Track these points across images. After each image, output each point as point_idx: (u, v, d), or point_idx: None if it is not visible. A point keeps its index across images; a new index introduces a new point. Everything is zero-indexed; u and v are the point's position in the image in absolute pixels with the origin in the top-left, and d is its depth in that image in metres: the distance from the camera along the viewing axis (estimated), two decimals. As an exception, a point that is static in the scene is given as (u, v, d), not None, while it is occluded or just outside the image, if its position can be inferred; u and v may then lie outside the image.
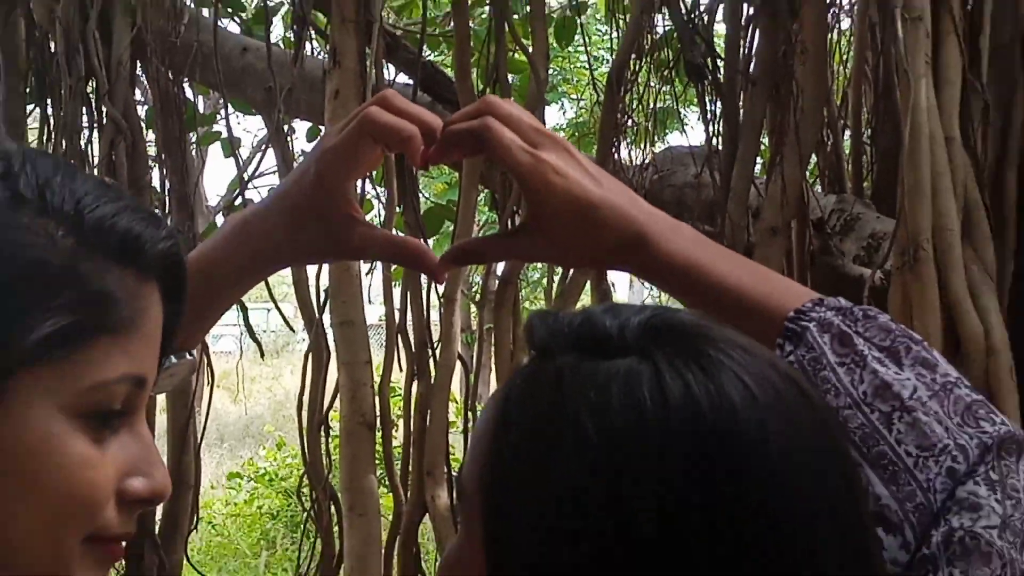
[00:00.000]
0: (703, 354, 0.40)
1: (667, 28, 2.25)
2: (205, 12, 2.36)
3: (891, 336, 0.51)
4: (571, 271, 1.80)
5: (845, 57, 2.67)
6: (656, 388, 0.38)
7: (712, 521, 0.37)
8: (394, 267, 1.92)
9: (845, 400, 0.49)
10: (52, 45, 2.05)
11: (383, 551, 1.82)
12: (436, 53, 3.42)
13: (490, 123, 0.53)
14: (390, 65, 2.17)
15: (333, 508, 1.87)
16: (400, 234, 1.88)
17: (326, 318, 1.81)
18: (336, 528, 1.87)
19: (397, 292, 1.99)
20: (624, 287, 6.76)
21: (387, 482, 2.09)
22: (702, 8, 2.16)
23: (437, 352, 1.91)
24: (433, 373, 1.89)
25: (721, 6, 2.08)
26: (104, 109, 1.98)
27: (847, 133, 2.51)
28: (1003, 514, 0.44)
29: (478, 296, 3.14)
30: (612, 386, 0.39)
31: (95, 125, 2.06)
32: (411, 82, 2.04)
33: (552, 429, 0.39)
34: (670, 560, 0.36)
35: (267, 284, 1.41)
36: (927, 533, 0.45)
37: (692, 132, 3.56)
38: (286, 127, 2.14)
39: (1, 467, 0.39)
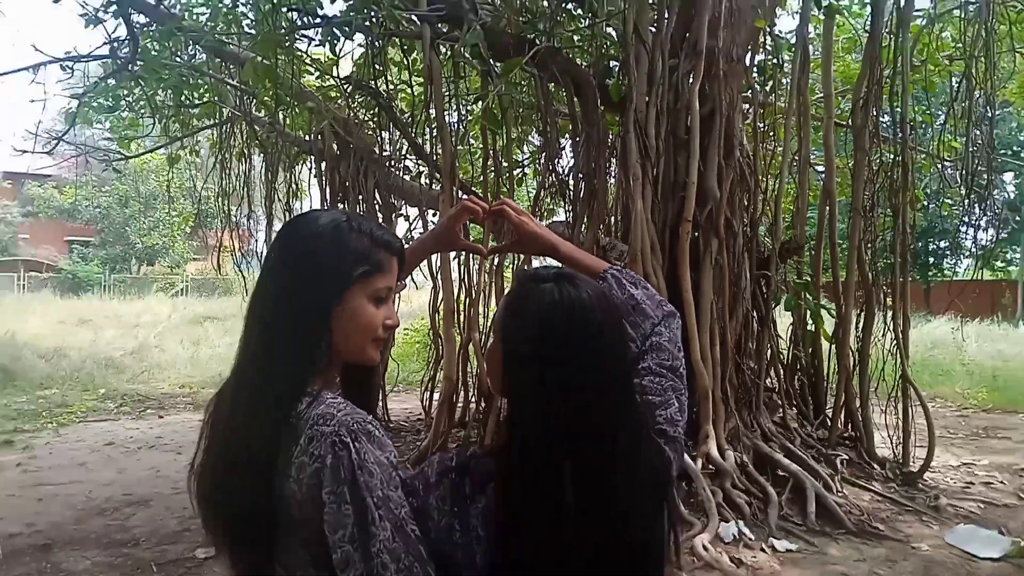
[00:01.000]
0: (573, 282, 1.25)
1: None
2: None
3: (634, 277, 1.54)
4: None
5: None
6: (557, 292, 1.23)
7: (576, 347, 1.18)
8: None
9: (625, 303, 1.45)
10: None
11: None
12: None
13: (504, 205, 1.62)
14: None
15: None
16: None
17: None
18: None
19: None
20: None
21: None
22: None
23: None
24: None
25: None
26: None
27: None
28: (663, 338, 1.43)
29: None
30: (544, 293, 1.24)
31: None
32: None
33: (522, 309, 1.25)
34: (566, 366, 1.17)
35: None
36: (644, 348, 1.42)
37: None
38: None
39: (348, 318, 1.27)
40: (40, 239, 33.84)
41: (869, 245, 6.39)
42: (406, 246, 1.43)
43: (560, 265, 1.54)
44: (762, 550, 4.97)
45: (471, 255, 7.36)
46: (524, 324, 1.22)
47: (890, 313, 6.26)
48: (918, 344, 14.08)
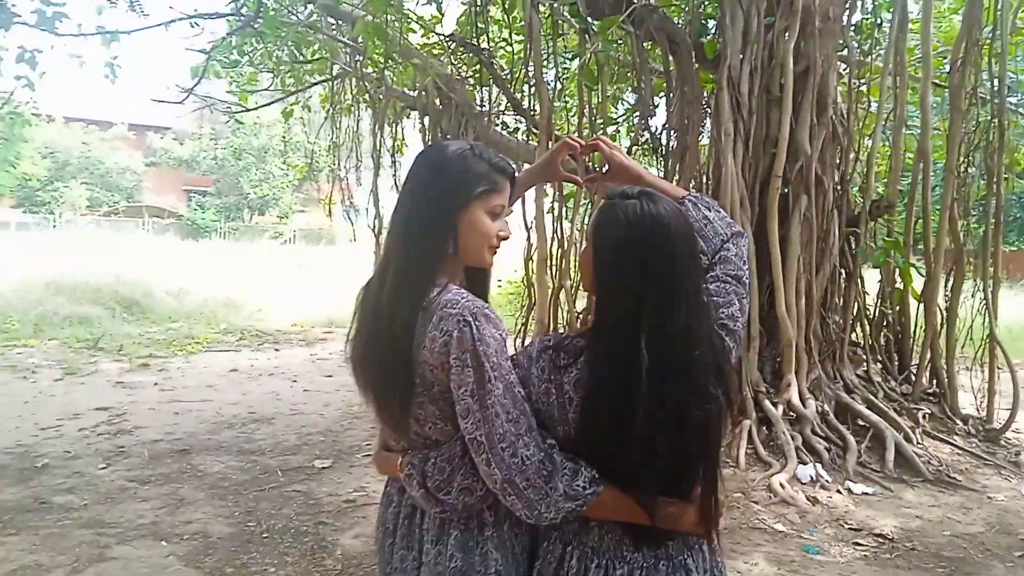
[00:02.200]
0: (653, 199, 1.53)
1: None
2: None
3: (709, 202, 1.82)
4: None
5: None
6: (640, 206, 1.51)
7: (654, 250, 1.47)
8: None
9: (699, 222, 1.75)
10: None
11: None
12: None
13: (599, 140, 1.91)
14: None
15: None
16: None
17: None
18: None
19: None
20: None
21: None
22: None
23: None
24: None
25: None
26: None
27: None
28: (730, 252, 1.71)
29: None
30: (629, 206, 1.52)
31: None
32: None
33: (611, 218, 1.53)
34: (659, 274, 1.46)
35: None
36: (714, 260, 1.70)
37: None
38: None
39: (469, 227, 1.60)
40: (160, 188, 35.96)
41: (962, 206, 6.39)
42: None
43: None
44: (838, 492, 5.20)
45: (563, 204, 7.69)
46: (611, 230, 1.50)
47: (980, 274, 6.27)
48: (1015, 311, 13.63)
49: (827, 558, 4.28)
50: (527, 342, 8.26)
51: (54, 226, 27.27)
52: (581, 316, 6.74)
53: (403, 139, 10.54)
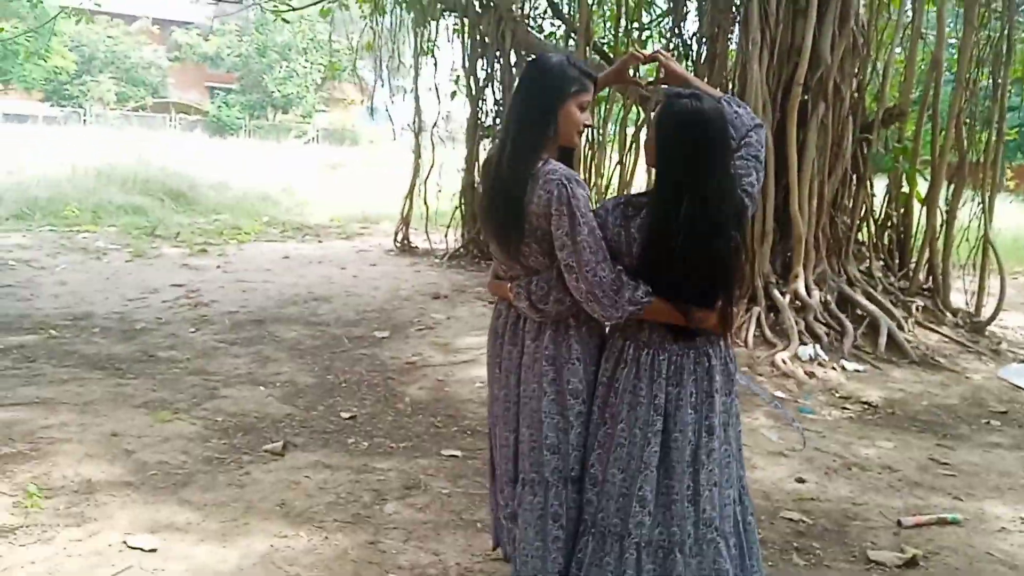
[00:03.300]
0: (699, 98, 2.11)
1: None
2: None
3: (739, 102, 2.40)
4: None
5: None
6: (690, 103, 2.10)
7: (698, 136, 2.08)
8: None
9: (731, 114, 2.30)
10: None
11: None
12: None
13: (658, 53, 2.53)
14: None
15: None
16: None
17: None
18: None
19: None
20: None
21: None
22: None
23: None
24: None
25: None
26: None
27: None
28: (752, 138, 2.31)
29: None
30: (683, 102, 2.11)
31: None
32: None
33: (669, 111, 2.13)
34: (701, 153, 2.08)
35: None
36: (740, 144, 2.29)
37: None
38: None
39: (565, 117, 2.24)
40: (183, 84, 36.14)
41: (969, 116, 6.88)
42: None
43: None
44: (833, 369, 5.93)
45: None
46: (669, 119, 2.12)
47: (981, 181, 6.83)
48: (1019, 222, 14.12)
49: (818, 417, 5.04)
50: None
51: (84, 120, 27.77)
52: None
53: (435, 42, 10.86)
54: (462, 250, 9.94)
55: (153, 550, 2.87)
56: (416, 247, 10.52)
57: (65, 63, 29.22)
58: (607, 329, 2.31)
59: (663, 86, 2.46)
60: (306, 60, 32.71)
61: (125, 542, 2.91)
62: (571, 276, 2.12)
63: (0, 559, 2.76)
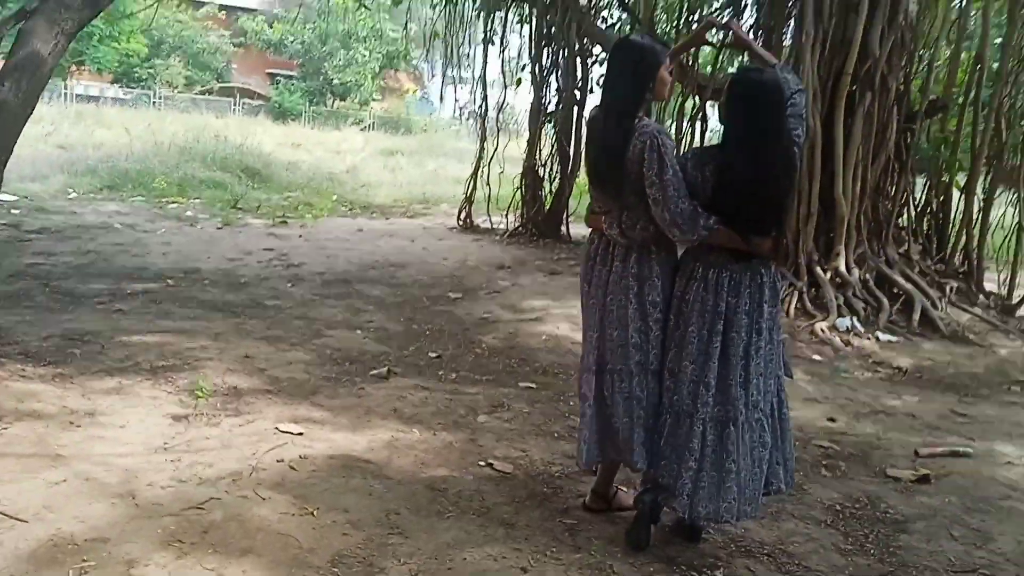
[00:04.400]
0: (762, 71, 2.85)
1: None
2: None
3: (788, 67, 3.17)
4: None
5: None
6: (755, 73, 2.87)
7: (760, 99, 2.73)
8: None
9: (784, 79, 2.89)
10: None
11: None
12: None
13: (730, 23, 3.45)
14: None
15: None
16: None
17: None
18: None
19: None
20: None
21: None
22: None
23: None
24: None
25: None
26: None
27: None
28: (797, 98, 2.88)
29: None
30: (750, 73, 2.93)
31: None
32: None
33: (739, 80, 2.88)
34: (762, 114, 2.73)
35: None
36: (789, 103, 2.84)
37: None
38: None
39: (660, 82, 2.89)
40: (245, 69, 37.32)
41: (1008, 111, 7.32)
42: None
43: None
44: (868, 339, 6.46)
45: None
46: (738, 88, 2.77)
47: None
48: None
49: (851, 377, 5.60)
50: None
51: (153, 103, 29.01)
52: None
53: (500, 30, 11.38)
54: (521, 229, 10.58)
55: (300, 433, 3.59)
56: (478, 225, 11.20)
57: (137, 46, 30.47)
58: (680, 254, 2.94)
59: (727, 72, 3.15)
60: (365, 48, 33.60)
61: (276, 428, 3.64)
62: (657, 208, 2.75)
63: (181, 434, 3.50)
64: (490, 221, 11.00)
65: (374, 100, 37.73)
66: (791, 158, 2.80)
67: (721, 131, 2.91)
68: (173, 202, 11.48)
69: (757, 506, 2.82)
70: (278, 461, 3.28)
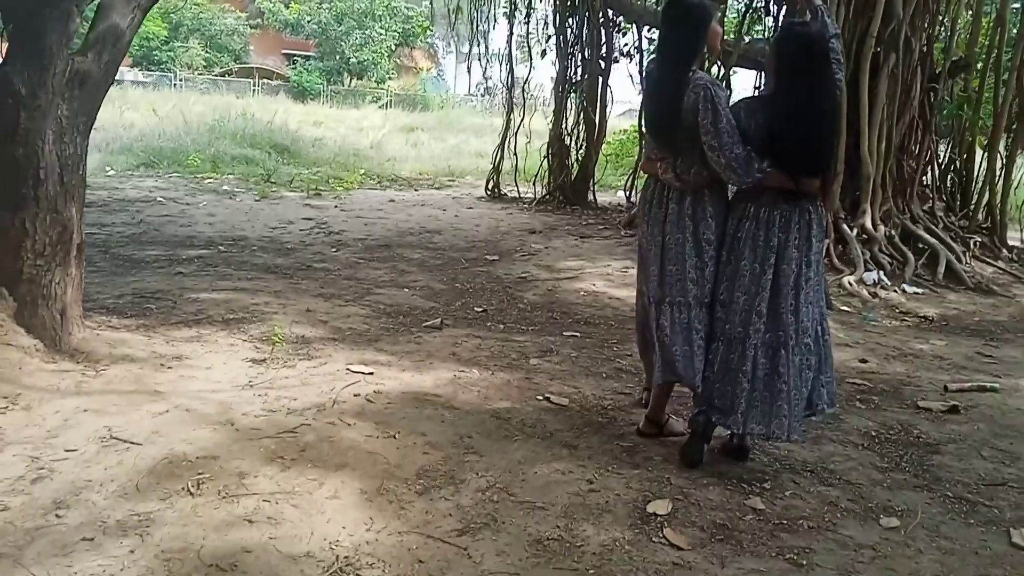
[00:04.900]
0: (807, 25, 3.09)
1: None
2: None
3: (828, 11, 3.21)
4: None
5: None
6: (800, 27, 3.14)
7: (816, 55, 2.96)
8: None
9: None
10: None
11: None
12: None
13: None
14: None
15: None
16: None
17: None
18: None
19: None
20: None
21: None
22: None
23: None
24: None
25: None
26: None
27: None
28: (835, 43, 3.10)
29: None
30: (795, 27, 3.24)
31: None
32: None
33: (786, 36, 3.16)
34: (809, 65, 2.97)
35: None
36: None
37: None
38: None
39: (712, 35, 3.14)
40: (262, 50, 37.55)
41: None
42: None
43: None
44: (894, 292, 6.68)
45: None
46: (787, 42, 3.00)
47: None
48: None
49: (879, 325, 5.82)
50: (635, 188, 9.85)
51: (173, 85, 29.31)
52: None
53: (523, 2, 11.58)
54: (548, 197, 10.82)
55: (370, 373, 3.88)
56: (505, 195, 11.43)
57: (157, 30, 30.76)
58: (731, 196, 3.18)
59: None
60: (381, 27, 33.71)
61: (348, 368, 3.92)
62: (713, 153, 2.98)
63: (262, 375, 3.79)
64: (517, 190, 11.22)
65: (390, 79, 37.87)
66: (836, 103, 3.03)
67: (766, 83, 3.14)
68: (208, 177, 11.79)
69: (802, 425, 3.08)
70: (355, 396, 3.57)
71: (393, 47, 35.52)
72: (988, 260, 7.44)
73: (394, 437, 3.16)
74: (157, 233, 7.42)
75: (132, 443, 2.96)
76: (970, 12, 7.97)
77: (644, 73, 3.34)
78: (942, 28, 7.81)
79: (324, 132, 19.04)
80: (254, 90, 30.44)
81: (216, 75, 31.33)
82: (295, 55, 36.59)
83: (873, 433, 3.63)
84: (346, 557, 2.34)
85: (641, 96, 3.36)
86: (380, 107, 29.86)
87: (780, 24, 3.51)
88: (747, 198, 3.09)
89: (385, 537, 2.47)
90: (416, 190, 12.51)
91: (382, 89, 34.32)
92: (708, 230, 3.12)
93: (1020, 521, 2.83)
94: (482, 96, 33.90)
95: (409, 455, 3.02)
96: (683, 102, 3.00)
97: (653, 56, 3.35)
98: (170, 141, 13.63)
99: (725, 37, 4.13)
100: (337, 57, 34.14)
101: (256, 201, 9.92)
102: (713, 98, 2.96)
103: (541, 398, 3.76)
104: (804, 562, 2.50)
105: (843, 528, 2.74)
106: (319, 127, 20.36)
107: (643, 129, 3.40)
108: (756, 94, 3.70)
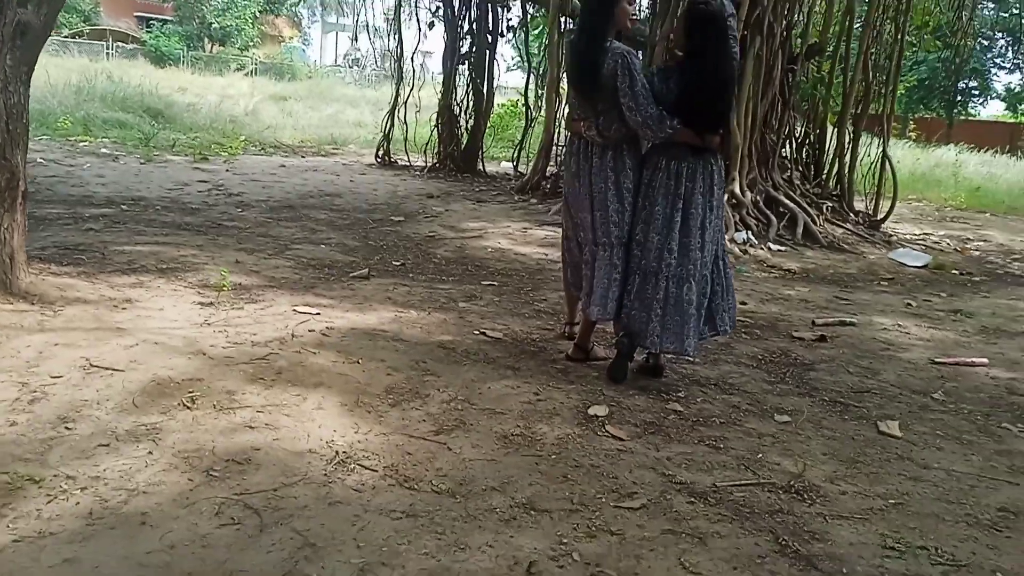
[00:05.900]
0: (711, 4, 3.45)
1: None
2: None
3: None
4: None
5: None
6: (706, 5, 3.45)
7: (719, 29, 3.46)
8: None
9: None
10: None
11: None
12: None
13: None
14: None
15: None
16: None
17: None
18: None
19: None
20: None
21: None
22: None
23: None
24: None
25: None
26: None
27: None
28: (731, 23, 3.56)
29: None
30: (703, 6, 3.46)
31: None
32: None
33: (692, 10, 3.54)
34: (713, 37, 3.47)
35: None
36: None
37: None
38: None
39: (619, 9, 3.57)
40: (113, 12, 35.43)
41: (873, 52, 8.50)
42: None
43: None
44: (761, 249, 7.51)
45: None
46: (693, 16, 3.46)
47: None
48: (923, 161, 16.20)
49: (750, 276, 6.59)
50: (522, 159, 10.33)
51: (15, 44, 27.21)
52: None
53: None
54: (439, 165, 11.15)
55: (317, 313, 4.16)
56: (396, 162, 11.66)
57: (-6, -16, 28.42)
58: (645, 150, 3.68)
59: None
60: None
61: (295, 309, 4.19)
62: (631, 113, 3.47)
63: (215, 315, 4.00)
64: (408, 159, 11.48)
65: (253, 46, 36.68)
66: (733, 70, 3.58)
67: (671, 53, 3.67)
68: (82, 140, 11.33)
69: (704, 344, 3.66)
70: (310, 331, 3.86)
71: (257, 13, 34.46)
72: (838, 223, 8.45)
73: (357, 363, 3.49)
74: (51, 192, 7.23)
75: (114, 370, 3.14)
76: (824, 1, 8.93)
77: (566, 41, 3.80)
78: (799, 15, 8.71)
79: (191, 99, 18.43)
80: (108, 53, 28.79)
81: (65, 36, 29.34)
82: (151, 18, 34.80)
83: (760, 356, 4.27)
84: (344, 452, 2.68)
85: (564, 61, 3.82)
86: (246, 75, 28.95)
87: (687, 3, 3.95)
88: (660, 152, 3.60)
89: (373, 437, 2.82)
90: (303, 157, 12.50)
91: (247, 56, 33.25)
92: (627, 179, 3.61)
93: (884, 417, 3.51)
94: (350, 67, 33.48)
95: (375, 376, 3.37)
96: (603, 68, 3.47)
97: (573, 29, 3.80)
98: (35, 103, 12.85)
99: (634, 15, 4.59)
100: (197, 22, 32.76)
101: (142, 164, 9.70)
102: (629, 65, 3.44)
103: (478, 332, 4.17)
104: (721, 446, 3.05)
105: (747, 423, 3.32)
106: (183, 93, 19.66)
107: (569, 91, 3.84)
108: (666, 64, 4.16)
